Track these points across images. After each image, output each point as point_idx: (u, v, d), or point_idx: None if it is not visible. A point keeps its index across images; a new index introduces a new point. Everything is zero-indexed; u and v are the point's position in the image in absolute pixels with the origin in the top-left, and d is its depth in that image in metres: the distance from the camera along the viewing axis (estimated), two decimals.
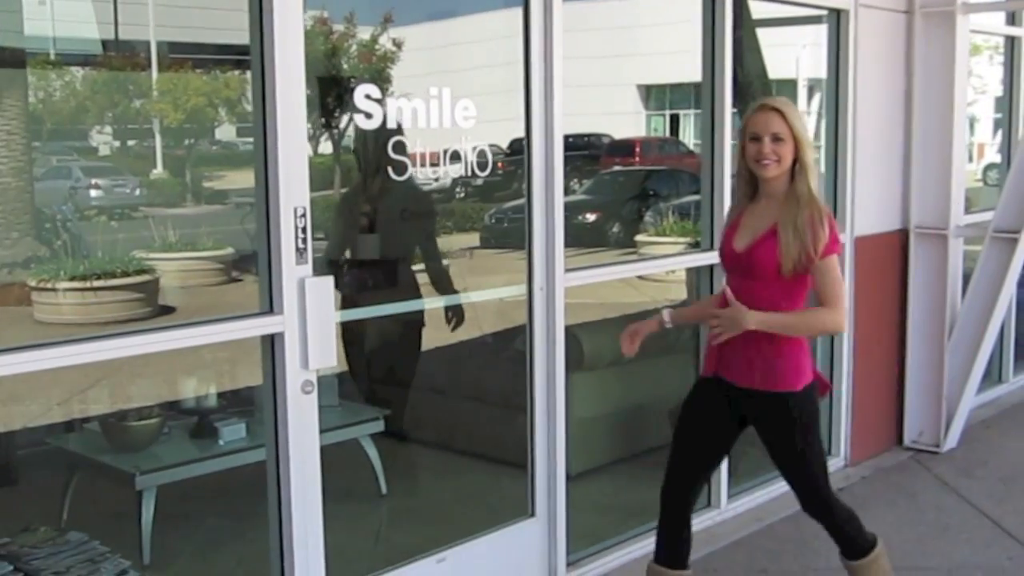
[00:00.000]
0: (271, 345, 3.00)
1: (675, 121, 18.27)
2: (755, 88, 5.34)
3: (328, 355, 3.04)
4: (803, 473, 3.20)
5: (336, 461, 3.21)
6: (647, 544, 4.22)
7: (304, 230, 2.96)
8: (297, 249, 2.95)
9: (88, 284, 7.24)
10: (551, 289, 3.73)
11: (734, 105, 4.55)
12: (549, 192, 3.70)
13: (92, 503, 4.19)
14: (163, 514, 3.91)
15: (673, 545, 3.28)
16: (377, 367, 4.80)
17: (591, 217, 10.58)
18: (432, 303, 4.60)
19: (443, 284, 4.62)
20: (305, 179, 2.97)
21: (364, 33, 6.90)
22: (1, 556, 2.85)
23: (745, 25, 5.15)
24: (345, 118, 7.10)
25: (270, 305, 2.97)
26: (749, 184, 3.10)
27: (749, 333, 2.98)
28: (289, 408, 3.00)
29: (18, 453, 5.13)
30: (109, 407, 5.39)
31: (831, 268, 2.99)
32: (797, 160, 3.00)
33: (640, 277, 5.65)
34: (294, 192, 2.94)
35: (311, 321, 2.97)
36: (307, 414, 3.05)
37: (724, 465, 4.57)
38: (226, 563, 4.10)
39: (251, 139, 3.08)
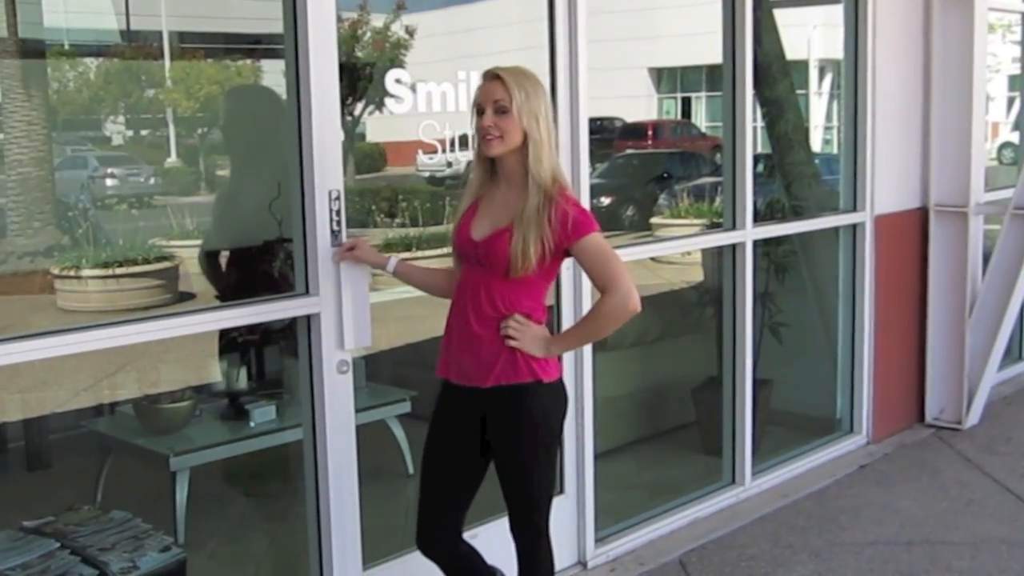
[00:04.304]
0: (307, 326, 3.06)
1: (687, 104, 18.24)
2: (774, 69, 5.35)
3: (363, 335, 3.09)
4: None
5: (363, 442, 3.25)
6: (673, 521, 4.30)
7: (338, 212, 3.01)
8: (332, 231, 3.00)
9: (111, 272, 7.28)
10: (578, 269, 3.77)
11: (754, 87, 4.57)
12: (575, 175, 3.75)
13: (125, 485, 4.25)
14: (194, 495, 3.98)
15: None
16: None
17: (606, 200, 10.58)
18: None
19: None
20: (339, 163, 3.03)
21: (389, 19, 6.93)
22: (47, 534, 2.92)
23: (763, 6, 5.15)
24: (360, 105, 7.14)
25: (306, 287, 3.03)
26: (484, 165, 2.71)
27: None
28: (325, 388, 3.06)
29: (50, 438, 5.20)
30: (136, 392, 5.45)
31: (592, 247, 2.60)
32: (528, 138, 2.60)
33: (656, 260, 5.67)
34: (328, 176, 2.99)
35: (346, 302, 3.02)
36: (343, 394, 3.12)
37: (748, 442, 4.63)
38: (259, 542, 4.17)
39: None
